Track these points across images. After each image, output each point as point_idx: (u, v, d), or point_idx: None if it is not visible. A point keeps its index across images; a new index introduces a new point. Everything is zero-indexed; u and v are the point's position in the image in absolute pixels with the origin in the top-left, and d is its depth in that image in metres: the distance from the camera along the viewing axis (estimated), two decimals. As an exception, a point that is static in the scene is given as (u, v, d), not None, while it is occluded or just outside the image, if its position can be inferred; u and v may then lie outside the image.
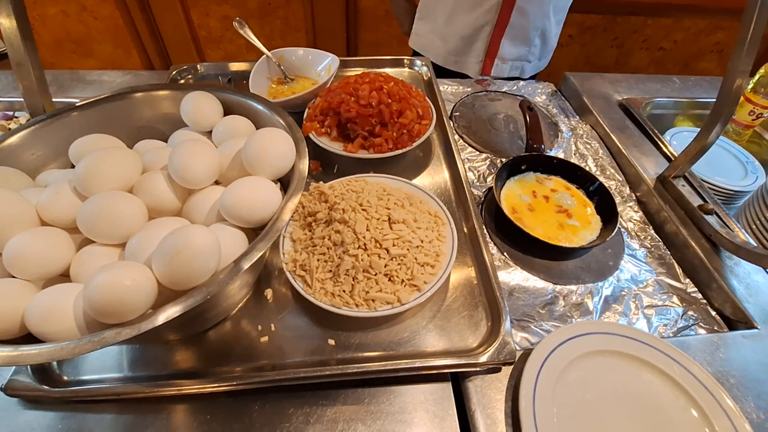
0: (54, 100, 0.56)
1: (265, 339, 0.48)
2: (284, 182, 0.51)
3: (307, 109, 0.74)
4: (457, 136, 0.81)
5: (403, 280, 0.49)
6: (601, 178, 0.70)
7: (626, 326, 0.53)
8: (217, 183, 0.51)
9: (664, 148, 0.80)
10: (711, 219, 0.64)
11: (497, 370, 0.48)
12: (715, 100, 0.62)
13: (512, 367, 0.48)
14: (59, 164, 0.53)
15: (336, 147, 0.68)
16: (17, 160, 0.50)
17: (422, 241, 0.52)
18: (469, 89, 0.95)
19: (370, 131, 0.67)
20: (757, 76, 0.87)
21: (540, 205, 0.67)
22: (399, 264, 0.49)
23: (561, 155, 0.79)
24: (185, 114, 0.56)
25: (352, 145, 0.67)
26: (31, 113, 0.54)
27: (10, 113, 0.85)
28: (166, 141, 0.58)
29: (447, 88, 0.95)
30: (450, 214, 0.57)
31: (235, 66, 0.91)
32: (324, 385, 0.45)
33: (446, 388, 0.46)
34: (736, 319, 0.56)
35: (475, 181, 0.73)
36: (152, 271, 0.38)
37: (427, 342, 0.49)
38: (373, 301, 0.48)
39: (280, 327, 0.50)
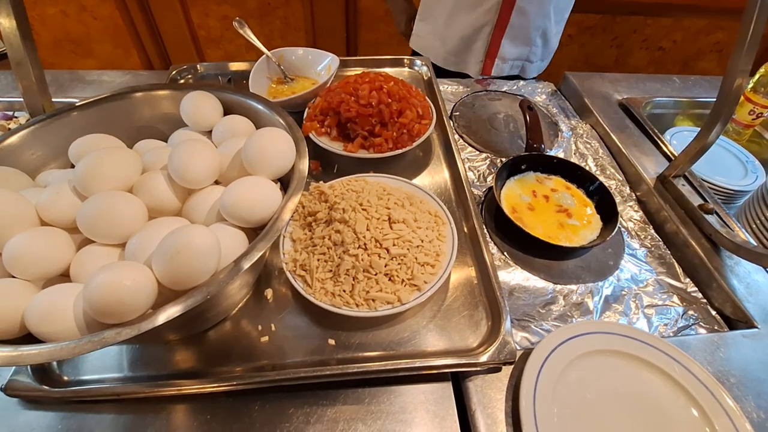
0: (54, 100, 0.56)
1: (265, 339, 0.48)
2: (284, 182, 0.51)
3: (307, 109, 0.74)
4: (457, 136, 0.81)
5: (403, 280, 0.49)
6: (601, 178, 0.70)
7: (626, 326, 0.53)
8: (217, 183, 0.51)
9: (664, 148, 0.80)
10: (711, 218, 0.64)
11: (497, 369, 0.48)
12: (715, 99, 0.62)
13: (512, 366, 0.48)
14: (59, 164, 0.53)
15: (336, 147, 0.68)
16: (17, 160, 0.50)
17: (422, 241, 0.52)
18: (469, 89, 0.95)
19: (370, 131, 0.67)
20: (757, 76, 0.87)
21: (540, 205, 0.67)
22: (399, 264, 0.49)
23: (561, 155, 0.79)
24: (185, 114, 0.56)
25: (352, 145, 0.67)
26: (31, 113, 0.54)
27: (10, 113, 0.85)
28: (166, 141, 0.58)
29: (447, 88, 0.95)
30: (450, 214, 0.57)
31: (235, 66, 0.91)
32: (324, 385, 0.45)
33: (446, 387, 0.46)
34: (736, 319, 0.56)
35: (475, 180, 0.73)
36: (152, 271, 0.38)
37: (427, 342, 0.49)
38: (373, 300, 0.48)
39: (281, 327, 0.50)
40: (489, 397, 0.45)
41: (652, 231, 0.67)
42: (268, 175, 0.48)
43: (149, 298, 0.36)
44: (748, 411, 0.46)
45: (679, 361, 0.47)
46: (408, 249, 0.50)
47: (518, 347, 0.50)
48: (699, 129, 0.66)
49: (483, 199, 0.70)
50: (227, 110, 0.59)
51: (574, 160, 0.79)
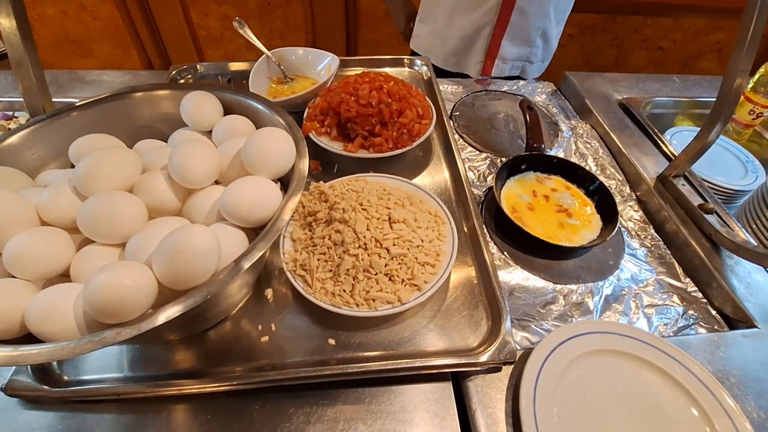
0: (53, 100, 0.56)
1: (265, 339, 0.48)
2: (284, 182, 0.51)
3: (307, 109, 0.74)
4: (457, 136, 0.81)
5: (403, 280, 0.49)
6: (601, 178, 0.70)
7: (627, 325, 0.53)
8: (217, 183, 0.51)
9: (664, 148, 0.80)
10: (711, 218, 0.64)
11: (498, 369, 0.48)
12: (715, 99, 0.62)
13: (513, 366, 0.48)
14: (59, 164, 0.53)
15: (336, 147, 0.68)
16: (17, 160, 0.50)
17: (422, 241, 0.52)
18: (469, 89, 0.95)
19: (370, 131, 0.67)
20: (757, 76, 0.87)
21: (540, 205, 0.67)
22: (399, 263, 0.49)
23: (561, 155, 0.79)
24: (185, 114, 0.56)
25: (352, 145, 0.67)
26: (31, 113, 0.54)
27: (10, 113, 0.85)
28: (166, 141, 0.58)
29: (447, 88, 0.95)
30: (450, 214, 0.57)
31: (235, 66, 0.91)
32: (324, 385, 0.45)
33: (447, 387, 0.46)
34: (736, 318, 0.56)
35: (475, 180, 0.73)
36: (152, 271, 0.38)
37: (427, 341, 0.49)
38: (373, 300, 0.48)
39: (281, 327, 0.50)
40: (489, 396, 0.45)
41: (652, 231, 0.67)
42: (268, 175, 0.48)
43: (149, 298, 0.36)
44: (748, 410, 0.46)
45: (680, 360, 0.47)
46: (408, 249, 0.50)
47: (518, 347, 0.50)
48: (699, 129, 0.65)
49: (483, 198, 0.70)
50: (227, 110, 0.59)
51: (574, 159, 0.79)
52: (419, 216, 0.54)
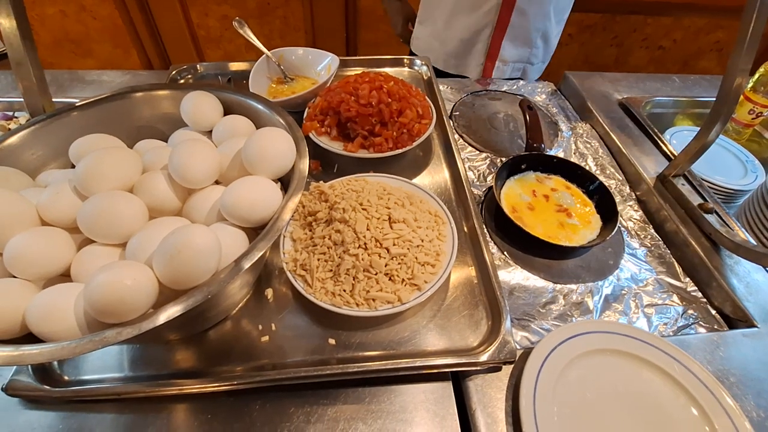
0: (53, 100, 0.56)
1: (265, 338, 0.49)
2: (284, 182, 0.51)
3: (307, 109, 0.74)
4: (457, 136, 0.81)
5: (403, 280, 0.49)
6: (601, 177, 0.70)
7: (626, 325, 0.53)
8: (217, 183, 0.51)
9: (664, 147, 0.80)
10: (711, 218, 0.64)
11: (498, 369, 0.48)
12: (714, 99, 0.62)
13: (513, 366, 0.48)
14: (59, 164, 0.53)
15: (336, 146, 0.68)
16: (17, 160, 0.50)
17: (422, 241, 0.52)
18: (468, 88, 0.95)
19: (370, 131, 0.67)
20: (756, 75, 0.87)
21: (540, 205, 0.67)
22: (399, 263, 0.49)
23: (561, 154, 0.79)
24: (185, 114, 0.56)
25: (352, 145, 0.67)
26: (31, 113, 0.54)
27: (10, 113, 0.85)
28: (166, 141, 0.58)
29: (447, 88, 0.95)
30: (450, 214, 0.57)
31: (235, 66, 0.91)
32: (325, 385, 0.45)
33: (447, 387, 0.46)
34: (736, 318, 0.56)
35: (475, 180, 0.73)
36: (153, 271, 0.38)
37: (427, 341, 0.49)
38: (373, 300, 0.48)
39: (281, 326, 0.50)
40: (489, 396, 0.46)
41: (652, 230, 0.67)
42: (268, 175, 0.48)
43: (150, 298, 0.36)
44: (747, 410, 0.46)
45: (679, 360, 0.47)
46: (408, 248, 0.50)
47: (518, 347, 0.50)
48: (699, 128, 0.66)
49: (483, 198, 0.70)
50: (227, 110, 0.59)
51: (574, 159, 0.79)
52: (419, 216, 0.54)
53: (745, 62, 0.56)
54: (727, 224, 0.64)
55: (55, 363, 0.46)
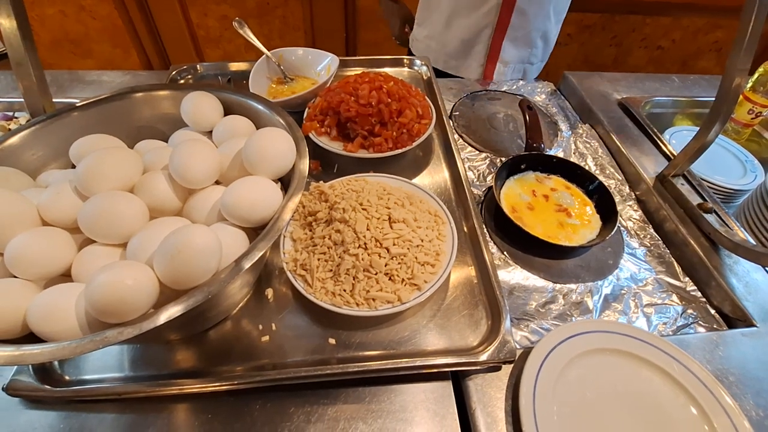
0: (54, 100, 0.56)
1: (265, 338, 0.49)
2: (284, 182, 0.51)
3: (306, 109, 0.74)
4: (456, 136, 0.81)
5: (403, 279, 0.49)
6: (601, 177, 0.70)
7: (626, 325, 0.53)
8: (217, 183, 0.51)
9: (664, 147, 0.80)
10: (710, 217, 0.64)
11: (497, 368, 0.48)
12: (714, 98, 0.62)
13: (512, 365, 0.48)
14: (60, 164, 0.53)
15: (336, 146, 0.68)
16: (18, 160, 0.50)
17: (422, 240, 0.52)
18: (468, 88, 0.95)
19: (370, 131, 0.67)
20: (756, 75, 0.87)
21: (540, 204, 0.67)
22: (399, 263, 0.49)
23: (560, 154, 0.79)
24: (185, 114, 0.56)
25: (351, 145, 0.67)
26: (32, 113, 0.54)
27: (10, 113, 0.85)
28: (166, 141, 0.58)
29: (447, 88, 0.95)
30: (450, 213, 0.57)
31: (235, 66, 0.91)
32: (325, 384, 0.45)
33: (447, 386, 0.46)
34: (735, 317, 0.56)
35: (475, 180, 0.73)
36: (153, 271, 0.38)
37: (427, 341, 0.49)
38: (373, 300, 0.48)
39: (281, 326, 0.50)
40: (489, 395, 0.46)
41: (652, 230, 0.67)
42: (268, 175, 0.49)
43: (151, 298, 0.36)
44: (746, 409, 0.46)
45: (679, 359, 0.47)
46: (408, 248, 0.50)
47: (518, 346, 0.50)
48: (698, 128, 0.66)
49: (483, 198, 0.70)
50: (227, 110, 0.59)
51: (573, 159, 0.79)
52: (419, 216, 0.54)
53: (744, 62, 0.56)
54: (726, 224, 0.64)
55: (56, 363, 0.46)
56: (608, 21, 1.72)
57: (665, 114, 0.98)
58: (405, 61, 0.97)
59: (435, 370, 0.46)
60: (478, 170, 0.75)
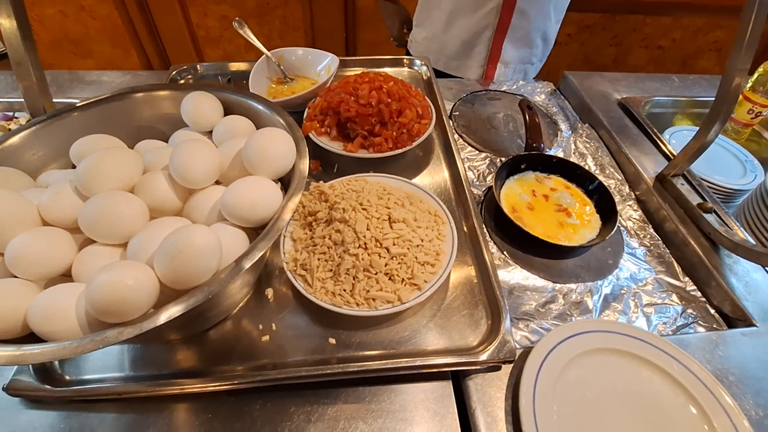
0: (54, 100, 0.56)
1: (266, 338, 0.49)
2: (284, 182, 0.51)
3: (306, 109, 0.74)
4: (456, 136, 0.81)
5: (403, 279, 0.49)
6: (601, 177, 0.70)
7: (626, 324, 0.53)
8: (217, 183, 0.51)
9: (663, 147, 0.80)
10: (710, 217, 0.64)
11: (497, 368, 0.48)
12: (714, 98, 0.62)
13: (512, 365, 0.48)
14: (60, 164, 0.53)
15: (336, 146, 0.68)
16: (18, 160, 0.50)
17: (422, 240, 0.52)
18: (468, 88, 0.95)
19: (370, 131, 0.67)
20: (755, 75, 0.87)
21: (539, 204, 0.67)
22: (399, 263, 0.49)
23: (560, 154, 0.79)
24: (185, 114, 0.56)
25: (351, 145, 0.67)
26: (32, 113, 0.54)
27: (10, 113, 0.85)
28: (166, 141, 0.58)
29: (446, 88, 0.95)
30: (450, 213, 0.57)
31: (235, 66, 0.91)
32: (325, 384, 0.46)
33: (447, 386, 0.46)
34: (735, 317, 0.56)
35: (475, 180, 0.73)
36: (154, 271, 0.38)
37: (427, 340, 0.49)
38: (373, 300, 0.48)
39: (281, 326, 0.50)
40: (489, 395, 0.46)
41: (651, 230, 0.68)
42: (268, 175, 0.49)
43: (151, 298, 0.37)
44: (746, 409, 0.46)
45: (678, 359, 0.47)
46: (408, 248, 0.50)
47: (518, 346, 0.50)
48: (698, 128, 0.66)
49: (483, 198, 0.70)
50: (227, 110, 0.59)
51: (573, 159, 0.79)
52: (419, 216, 0.54)
53: (743, 62, 0.56)
54: (726, 224, 0.64)
55: (57, 363, 0.47)
56: (608, 21, 1.72)
57: (665, 114, 0.98)
58: (405, 61, 0.97)
59: (435, 370, 0.46)
60: (478, 170, 0.75)
